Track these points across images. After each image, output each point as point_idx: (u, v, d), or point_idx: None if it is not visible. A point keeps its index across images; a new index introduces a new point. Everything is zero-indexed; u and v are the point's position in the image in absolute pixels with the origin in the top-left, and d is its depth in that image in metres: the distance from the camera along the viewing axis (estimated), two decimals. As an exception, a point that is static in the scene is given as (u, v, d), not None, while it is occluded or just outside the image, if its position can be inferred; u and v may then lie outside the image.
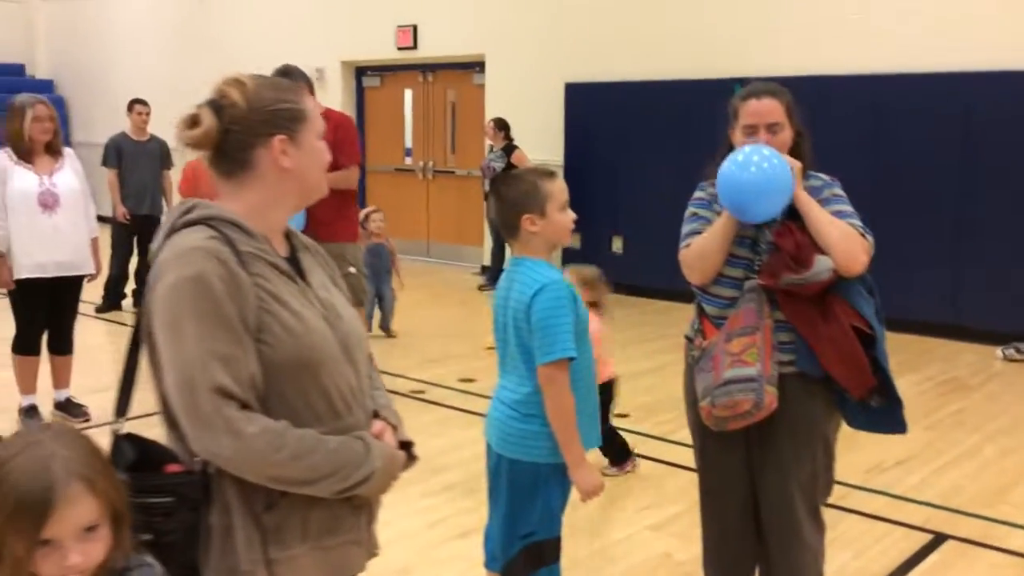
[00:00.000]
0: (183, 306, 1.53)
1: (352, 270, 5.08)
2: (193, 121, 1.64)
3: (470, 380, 5.89)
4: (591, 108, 9.10)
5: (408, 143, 11.42)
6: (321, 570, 1.65)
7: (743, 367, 2.67)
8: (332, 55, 11.44)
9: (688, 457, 4.65)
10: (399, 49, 10.82)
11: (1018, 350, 6.56)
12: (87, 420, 5.10)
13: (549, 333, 2.49)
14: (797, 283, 2.66)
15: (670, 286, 8.34)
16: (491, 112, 9.64)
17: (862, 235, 2.67)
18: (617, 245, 9.09)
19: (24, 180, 4.83)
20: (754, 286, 2.71)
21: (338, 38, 11.33)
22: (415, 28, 10.64)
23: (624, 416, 5.13)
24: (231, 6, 12.59)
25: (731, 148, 2.80)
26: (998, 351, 6.63)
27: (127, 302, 8.20)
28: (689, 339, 2.92)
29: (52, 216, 4.88)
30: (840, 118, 7.29)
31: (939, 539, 3.75)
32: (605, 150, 9.04)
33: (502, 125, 9.03)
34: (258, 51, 11.97)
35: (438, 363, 6.40)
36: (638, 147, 8.84)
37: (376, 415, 1.76)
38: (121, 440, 1.65)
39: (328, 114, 4.93)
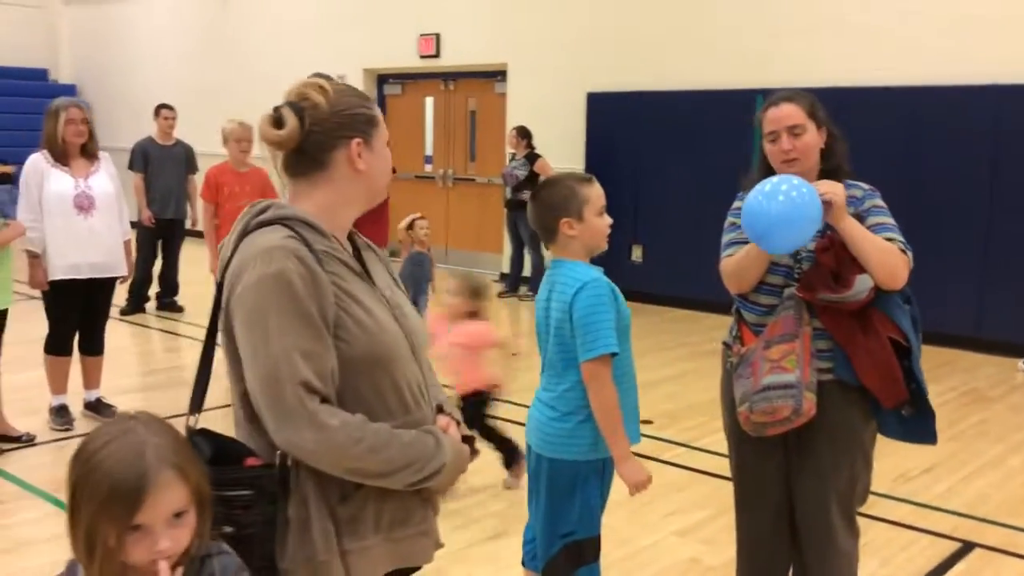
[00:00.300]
0: (267, 303, 1.58)
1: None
2: (277, 121, 1.69)
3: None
4: (613, 118, 9.15)
5: (428, 151, 11.49)
6: (392, 560, 1.71)
7: (782, 373, 2.70)
8: (354, 62, 11.53)
9: (713, 463, 4.73)
10: (421, 57, 10.91)
11: (1039, 363, 6.59)
12: (117, 420, 5.17)
13: (591, 330, 2.54)
14: (835, 301, 2.70)
15: (689, 295, 8.42)
16: (513, 121, 9.70)
17: (902, 251, 2.70)
18: (637, 254, 9.13)
19: (60, 183, 4.91)
20: (793, 294, 2.75)
21: (360, 45, 11.42)
22: (438, 37, 10.72)
23: (648, 423, 5.15)
24: (253, 11, 12.70)
25: (765, 160, 2.85)
26: (1019, 363, 6.65)
27: (151, 305, 8.30)
28: (727, 345, 2.95)
29: (87, 218, 4.96)
30: (866, 129, 7.32)
31: (967, 547, 3.78)
32: (626, 160, 9.09)
33: (524, 133, 9.10)
34: (279, 56, 12.12)
35: (461, 368, 6.45)
36: (658, 157, 8.90)
37: (440, 409, 1.81)
38: (195, 435, 1.68)
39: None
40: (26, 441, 4.80)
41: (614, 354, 2.55)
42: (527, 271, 9.28)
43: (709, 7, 8.63)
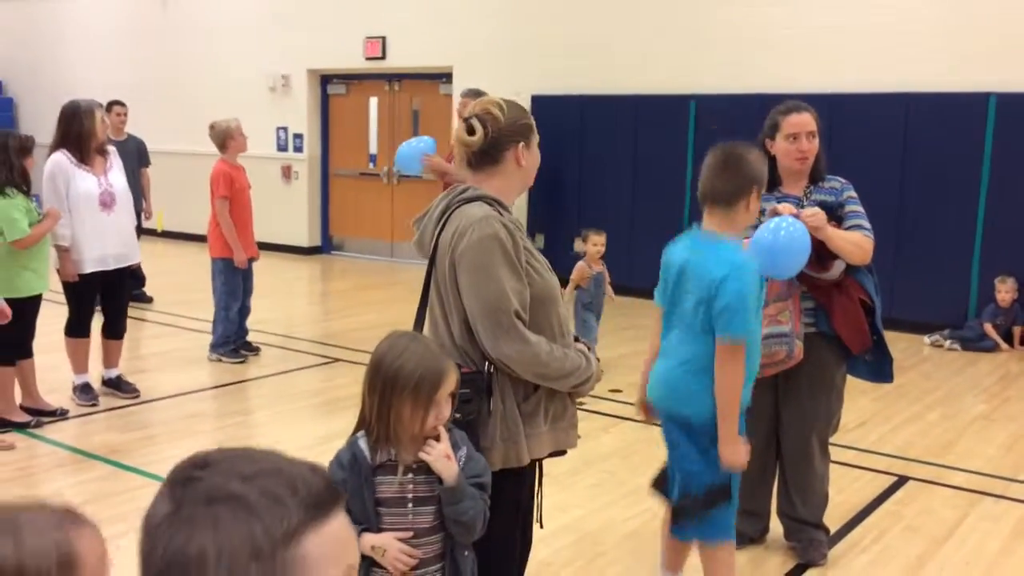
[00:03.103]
0: (487, 255, 2.20)
1: None
2: (471, 129, 2.30)
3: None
4: (557, 119, 9.81)
5: (373, 149, 11.96)
6: (553, 444, 2.35)
7: (779, 325, 3.41)
8: (299, 63, 11.91)
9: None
10: (367, 59, 11.38)
11: (942, 337, 7.55)
12: (136, 396, 5.58)
13: (738, 312, 2.71)
14: (818, 278, 3.43)
15: (629, 283, 9.17)
16: (458, 122, 10.24)
17: (867, 236, 3.45)
18: (579, 246, 9.83)
19: (86, 182, 5.25)
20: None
21: (306, 46, 11.80)
22: (384, 40, 11.21)
23: (618, 391, 5.84)
24: (193, 9, 12.89)
25: (769, 156, 3.55)
26: (925, 339, 7.62)
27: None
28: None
29: (110, 214, 5.34)
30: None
31: (901, 480, 4.57)
32: (569, 160, 9.79)
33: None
34: (220, 55, 12.40)
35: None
36: (599, 157, 9.63)
37: (576, 339, 2.44)
38: None
39: None
40: (60, 415, 5.18)
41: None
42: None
43: (647, 17, 9.38)
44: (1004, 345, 7.41)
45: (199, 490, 0.88)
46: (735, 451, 2.81)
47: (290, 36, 11.88)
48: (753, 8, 8.77)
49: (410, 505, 2.02)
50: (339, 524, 0.91)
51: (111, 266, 5.37)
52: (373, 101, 11.84)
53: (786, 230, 3.16)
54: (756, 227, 3.25)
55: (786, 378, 3.54)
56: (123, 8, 13.66)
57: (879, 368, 3.62)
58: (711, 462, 2.82)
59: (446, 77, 10.95)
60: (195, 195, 9.69)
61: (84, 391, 5.47)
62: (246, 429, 5.27)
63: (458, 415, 2.14)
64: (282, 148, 12.26)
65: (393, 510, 2.02)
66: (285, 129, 12.22)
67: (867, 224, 3.50)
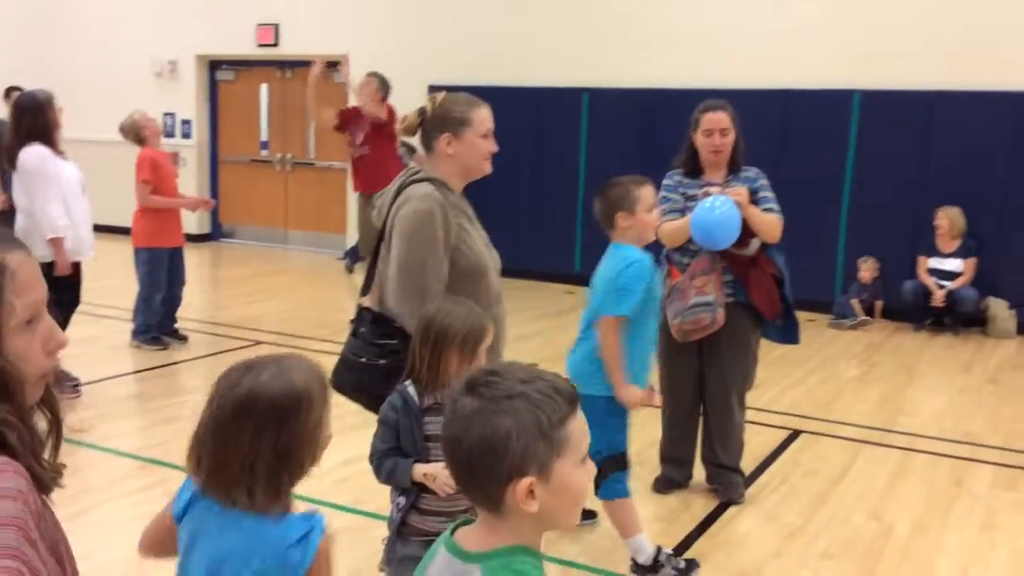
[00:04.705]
0: (416, 226, 2.69)
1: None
2: (404, 118, 2.85)
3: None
4: (452, 109, 10.17)
5: (264, 136, 12.00)
6: None
7: (704, 295, 3.92)
8: (187, 48, 11.82)
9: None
10: (259, 46, 11.41)
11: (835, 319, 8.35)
12: (77, 383, 5.58)
13: (611, 295, 3.31)
14: (736, 253, 3.96)
15: (531, 267, 9.62)
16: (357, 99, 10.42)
17: (778, 217, 4.00)
18: (476, 231, 10.24)
19: (69, 170, 5.32)
20: (709, 247, 3.96)
21: (195, 31, 11.71)
22: (277, 27, 11.27)
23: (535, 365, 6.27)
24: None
25: (692, 147, 4.04)
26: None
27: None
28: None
29: (85, 201, 5.43)
30: (666, 128, 8.80)
31: (795, 434, 5.19)
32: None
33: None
34: (111, 37, 12.15)
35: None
36: (499, 147, 10.01)
37: None
38: (363, 309, 2.84)
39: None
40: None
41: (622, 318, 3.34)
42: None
43: (542, 9, 9.83)
44: (867, 318, 8.25)
45: (499, 389, 1.28)
46: (628, 394, 3.36)
47: (179, 20, 11.77)
48: (646, 5, 9.34)
49: (455, 446, 2.38)
50: (580, 415, 1.32)
51: (89, 254, 5.43)
52: (264, 88, 11.88)
53: (720, 207, 3.67)
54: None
55: (709, 342, 4.05)
56: (-7, -13, 13.15)
57: (788, 331, 4.19)
58: (601, 436, 3.12)
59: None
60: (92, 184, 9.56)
61: (67, 379, 5.41)
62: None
63: (382, 361, 2.59)
64: (169, 135, 12.10)
65: (440, 444, 2.35)
66: (173, 115, 12.10)
67: (778, 208, 4.05)
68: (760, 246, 4.01)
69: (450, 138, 2.83)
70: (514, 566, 1.32)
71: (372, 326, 2.79)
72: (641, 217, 3.35)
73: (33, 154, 5.21)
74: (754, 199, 4.00)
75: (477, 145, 2.89)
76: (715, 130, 3.97)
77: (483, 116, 2.94)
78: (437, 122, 2.85)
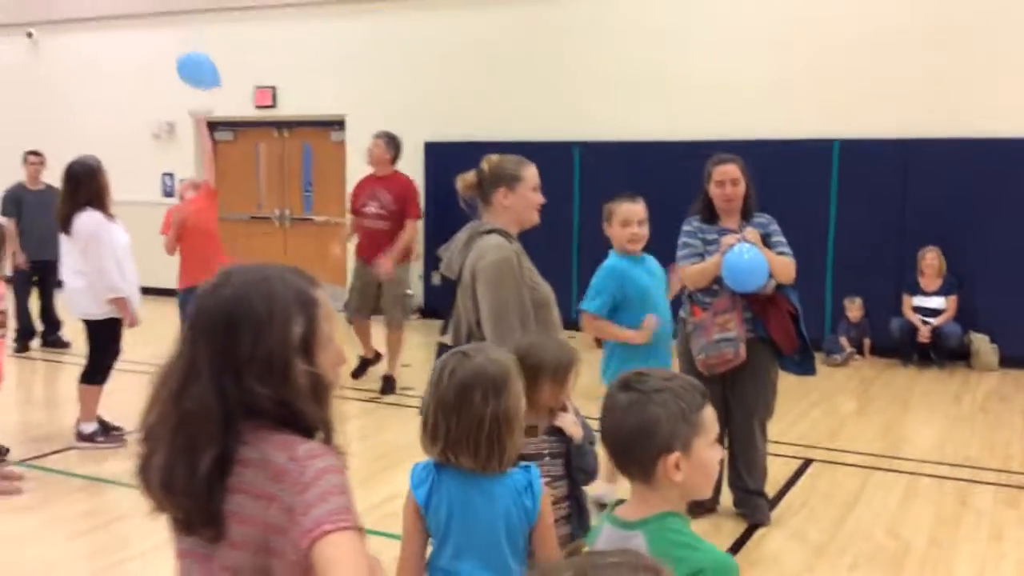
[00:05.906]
0: (500, 273, 3.06)
1: (409, 291, 6.97)
2: (463, 178, 3.27)
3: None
4: (449, 165, 10.45)
5: (263, 193, 12.30)
6: None
7: (726, 332, 4.27)
8: (184, 109, 12.12)
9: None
10: (257, 107, 11.77)
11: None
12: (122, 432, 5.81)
13: (588, 293, 4.27)
14: (754, 292, 4.31)
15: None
16: (352, 167, 10.79)
17: (791, 260, 4.36)
18: (435, 278, 10.56)
19: (119, 233, 5.63)
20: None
21: (192, 94, 12.01)
22: (274, 89, 11.65)
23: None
24: (67, 52, 12.85)
25: (707, 196, 4.41)
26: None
27: (35, 342, 8.65)
28: (683, 319, 4.49)
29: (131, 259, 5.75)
30: (653, 179, 9.22)
31: (807, 462, 5.52)
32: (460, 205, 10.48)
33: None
34: (99, 100, 12.45)
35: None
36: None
37: None
38: (443, 346, 3.23)
39: (395, 177, 7.05)
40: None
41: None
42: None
43: (534, 65, 10.27)
44: (857, 355, 8.63)
45: (648, 385, 1.64)
46: (633, 333, 4.28)
47: (176, 83, 12.07)
48: (635, 60, 9.81)
49: (547, 458, 2.67)
50: (711, 407, 1.70)
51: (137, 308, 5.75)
52: (261, 147, 12.21)
53: (749, 254, 4.03)
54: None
55: (732, 375, 4.38)
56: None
57: (804, 364, 4.53)
58: None
59: (338, 124, 11.48)
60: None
61: (102, 432, 5.74)
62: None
63: None
64: (168, 194, 12.40)
65: (533, 463, 2.65)
66: (171, 175, 12.39)
67: (790, 251, 4.42)
68: (775, 286, 4.37)
69: (506, 191, 3.24)
70: (670, 527, 1.64)
71: None
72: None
73: (89, 219, 5.50)
74: (767, 243, 4.37)
75: (529, 197, 3.31)
76: (726, 181, 4.35)
77: (532, 172, 3.37)
78: (494, 178, 3.27)
